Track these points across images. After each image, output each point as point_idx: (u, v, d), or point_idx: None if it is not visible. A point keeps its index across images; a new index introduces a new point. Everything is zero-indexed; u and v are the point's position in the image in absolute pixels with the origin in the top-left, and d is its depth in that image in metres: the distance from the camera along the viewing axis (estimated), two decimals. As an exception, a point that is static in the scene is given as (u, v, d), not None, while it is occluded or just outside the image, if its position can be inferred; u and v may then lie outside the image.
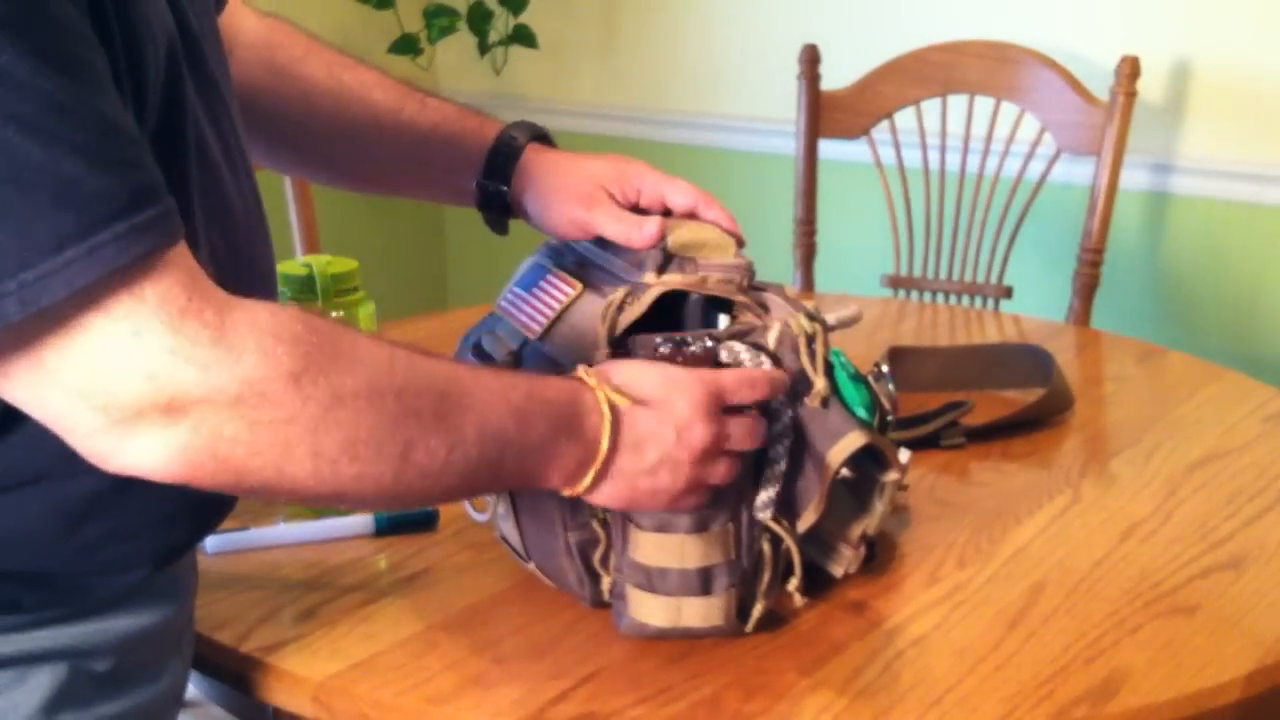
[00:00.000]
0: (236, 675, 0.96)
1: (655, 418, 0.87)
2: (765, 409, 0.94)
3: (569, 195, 1.04)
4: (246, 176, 0.90)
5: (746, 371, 0.92)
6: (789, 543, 0.95)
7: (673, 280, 0.98)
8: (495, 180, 1.08)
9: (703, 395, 0.88)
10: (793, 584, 0.97)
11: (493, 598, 1.03)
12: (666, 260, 1.00)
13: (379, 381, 0.77)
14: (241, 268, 0.87)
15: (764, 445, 0.93)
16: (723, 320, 0.98)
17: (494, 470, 0.84)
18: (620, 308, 0.96)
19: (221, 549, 1.09)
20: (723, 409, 0.90)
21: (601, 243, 1.04)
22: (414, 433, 0.78)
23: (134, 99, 0.75)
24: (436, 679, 0.92)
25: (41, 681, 0.81)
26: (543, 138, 1.10)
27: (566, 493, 0.89)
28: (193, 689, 1.00)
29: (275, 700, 0.94)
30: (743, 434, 0.91)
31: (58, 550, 0.80)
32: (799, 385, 0.96)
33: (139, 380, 0.70)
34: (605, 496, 0.89)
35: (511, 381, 0.85)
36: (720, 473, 0.90)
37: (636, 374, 0.89)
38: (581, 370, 0.89)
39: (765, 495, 0.94)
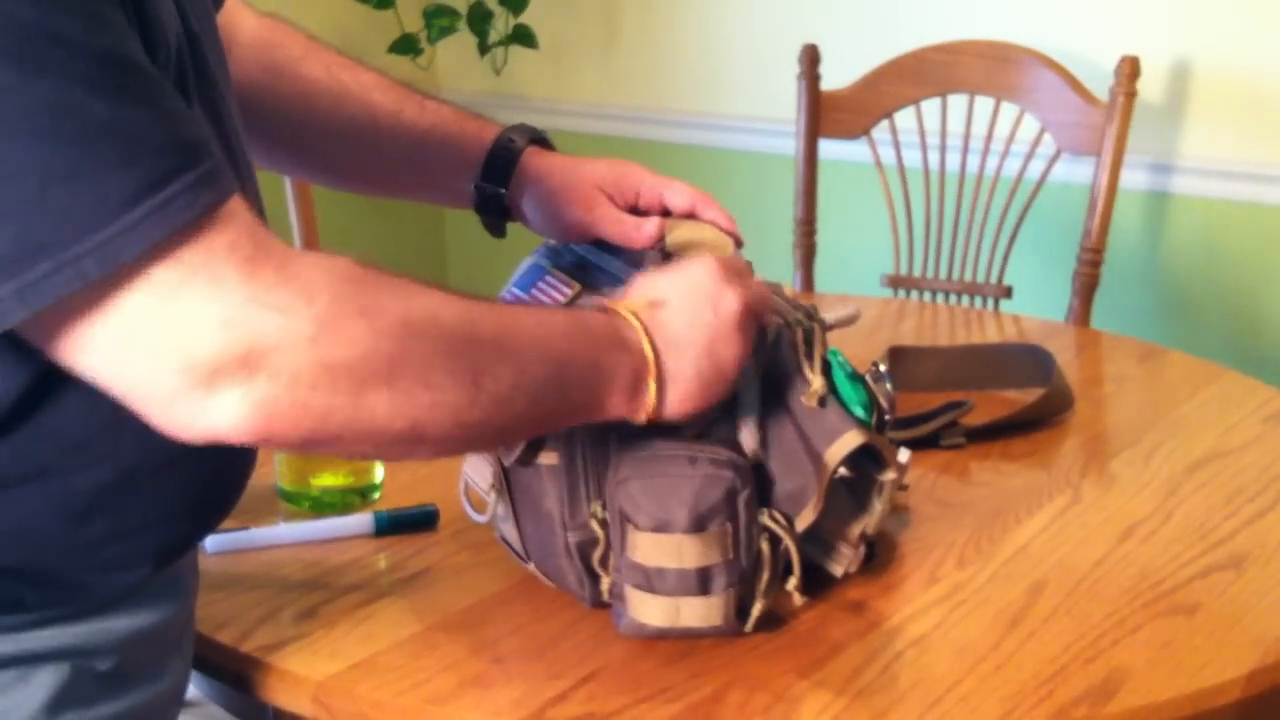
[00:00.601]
0: (236, 675, 0.96)
1: (684, 308, 0.89)
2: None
3: (567, 198, 1.04)
4: (248, 178, 0.90)
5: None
6: (787, 542, 0.95)
7: (672, 280, 0.98)
8: (493, 183, 1.08)
9: (715, 265, 0.91)
10: (792, 583, 0.96)
11: (492, 598, 1.03)
12: (665, 260, 1.00)
13: (439, 311, 0.79)
14: None
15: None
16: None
17: (560, 389, 0.84)
18: (619, 307, 0.96)
19: (221, 549, 1.09)
20: None
21: (599, 243, 1.04)
22: (479, 356, 0.79)
23: None
24: (436, 679, 0.92)
25: (44, 681, 0.81)
26: (541, 141, 1.10)
27: (641, 417, 0.89)
28: (193, 689, 1.00)
29: (275, 700, 0.94)
30: None
31: (60, 547, 0.80)
32: (796, 384, 0.96)
33: (217, 333, 0.70)
34: (680, 405, 0.89)
35: (548, 309, 0.87)
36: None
37: (643, 285, 0.92)
38: (597, 302, 0.91)
39: (748, 430, 0.95)
